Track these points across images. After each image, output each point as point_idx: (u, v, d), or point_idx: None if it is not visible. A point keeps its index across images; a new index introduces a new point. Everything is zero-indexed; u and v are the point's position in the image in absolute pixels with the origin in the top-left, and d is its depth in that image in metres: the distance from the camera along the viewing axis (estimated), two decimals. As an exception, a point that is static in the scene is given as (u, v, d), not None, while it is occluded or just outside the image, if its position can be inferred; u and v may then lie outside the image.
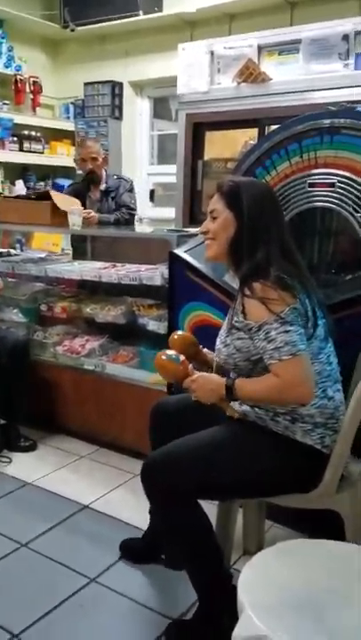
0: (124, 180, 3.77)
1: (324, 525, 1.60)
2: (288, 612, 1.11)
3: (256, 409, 1.57)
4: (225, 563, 1.68)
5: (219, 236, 1.60)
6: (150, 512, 1.91)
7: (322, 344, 1.55)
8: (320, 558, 1.28)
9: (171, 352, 1.68)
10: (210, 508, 1.62)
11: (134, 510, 2.20)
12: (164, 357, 1.66)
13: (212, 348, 1.72)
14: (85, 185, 3.70)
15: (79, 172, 5.07)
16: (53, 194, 3.01)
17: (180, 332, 1.82)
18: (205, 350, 1.78)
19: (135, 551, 1.98)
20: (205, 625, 1.59)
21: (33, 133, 4.94)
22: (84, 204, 3.57)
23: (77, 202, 3.13)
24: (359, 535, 1.58)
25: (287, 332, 1.43)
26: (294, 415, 1.52)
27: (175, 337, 1.79)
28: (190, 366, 1.64)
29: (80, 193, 3.60)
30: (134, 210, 3.75)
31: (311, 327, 1.51)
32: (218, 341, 1.65)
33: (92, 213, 3.31)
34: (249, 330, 1.50)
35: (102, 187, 3.67)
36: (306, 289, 1.53)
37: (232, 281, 1.92)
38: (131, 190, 3.74)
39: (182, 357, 1.64)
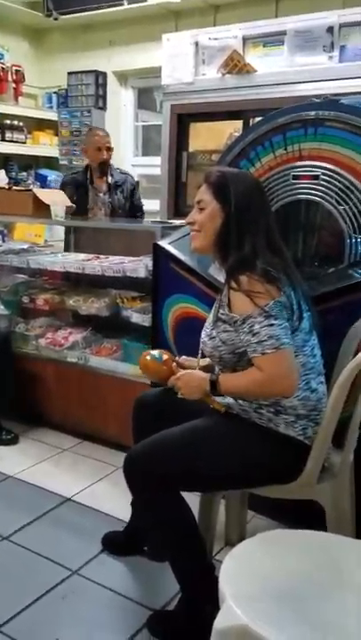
0: (130, 176, 3.70)
1: (306, 516, 1.62)
2: (269, 602, 1.11)
3: (240, 401, 1.58)
4: (207, 554, 1.69)
5: (205, 227, 1.59)
6: (132, 504, 1.91)
7: (306, 337, 1.55)
8: (301, 548, 1.29)
9: (154, 352, 1.70)
10: (192, 499, 1.62)
11: (117, 502, 2.19)
12: (148, 357, 1.68)
13: (196, 340, 1.71)
14: (84, 176, 3.60)
15: (63, 161, 5.06)
16: (35, 190, 2.99)
17: (152, 352, 1.74)
18: (183, 358, 1.77)
19: (117, 543, 1.98)
20: (187, 615, 1.60)
21: (15, 123, 4.87)
22: (85, 195, 3.51)
23: (62, 193, 3.09)
24: (340, 525, 1.60)
25: (271, 325, 1.43)
26: (278, 407, 1.53)
27: (147, 357, 1.71)
28: (174, 364, 1.66)
29: (82, 184, 3.53)
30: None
31: (296, 320, 1.51)
32: (203, 334, 1.65)
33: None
34: (234, 323, 1.51)
35: (110, 179, 3.56)
36: (291, 282, 1.53)
37: (217, 273, 1.92)
38: (137, 188, 3.69)
39: (165, 356, 1.66)
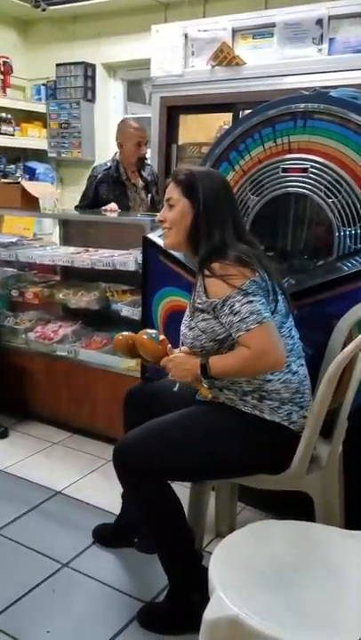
0: (154, 169, 3.49)
1: (295, 507, 1.63)
2: (258, 592, 1.12)
3: (225, 390, 1.59)
4: (197, 545, 1.70)
5: (176, 224, 1.62)
6: (123, 496, 1.91)
7: (283, 319, 1.58)
8: (290, 539, 1.30)
9: (151, 331, 1.71)
10: (182, 490, 1.63)
11: (107, 495, 2.20)
12: (144, 336, 1.68)
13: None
14: (117, 171, 3.28)
15: (51, 154, 5.02)
16: (24, 183, 2.96)
17: (125, 333, 1.80)
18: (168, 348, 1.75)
19: (108, 536, 1.99)
20: (177, 607, 1.61)
21: (3, 115, 4.83)
22: (125, 193, 3.27)
23: (51, 186, 3.07)
24: (329, 516, 1.62)
25: (251, 302, 1.46)
26: (261, 393, 1.55)
27: (120, 337, 1.77)
28: (169, 346, 1.66)
29: (117, 180, 3.27)
30: None
31: (273, 302, 1.54)
32: (183, 326, 1.67)
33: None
34: (213, 308, 1.52)
35: (145, 174, 3.35)
36: (263, 266, 1.56)
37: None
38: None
39: (162, 337, 1.67)
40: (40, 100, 5.17)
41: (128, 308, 2.62)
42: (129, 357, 1.97)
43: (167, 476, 1.55)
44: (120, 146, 3.27)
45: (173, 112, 3.59)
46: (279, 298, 1.57)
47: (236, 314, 1.47)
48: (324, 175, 1.88)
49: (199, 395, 1.63)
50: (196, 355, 1.61)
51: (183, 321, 1.67)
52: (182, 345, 1.70)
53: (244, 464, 1.56)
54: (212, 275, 1.51)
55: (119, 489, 1.72)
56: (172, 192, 1.63)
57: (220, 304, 1.50)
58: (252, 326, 1.45)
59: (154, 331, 1.73)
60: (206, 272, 1.52)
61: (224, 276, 1.49)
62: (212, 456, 1.53)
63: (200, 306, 1.56)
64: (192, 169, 1.66)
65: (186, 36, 3.42)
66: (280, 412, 1.55)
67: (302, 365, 1.62)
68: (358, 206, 1.83)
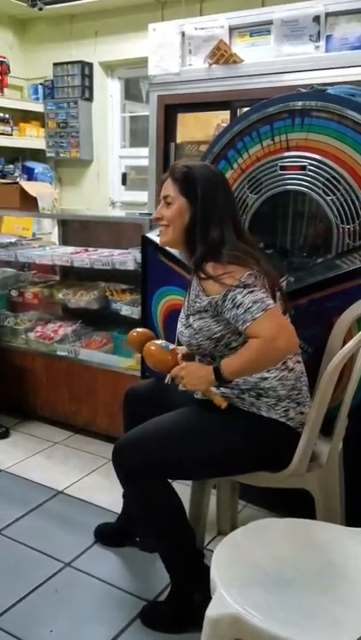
0: None
1: (296, 505, 1.63)
2: (260, 590, 1.13)
3: (221, 389, 1.59)
4: (198, 543, 1.70)
5: (174, 222, 1.60)
6: (124, 496, 1.91)
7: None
8: (291, 537, 1.31)
9: (160, 341, 1.68)
10: (184, 489, 1.63)
11: (108, 495, 2.20)
12: (153, 347, 1.64)
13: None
14: None
15: (50, 153, 5.01)
16: (22, 183, 2.96)
17: (138, 329, 1.78)
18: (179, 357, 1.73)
19: (109, 535, 1.99)
20: (179, 605, 1.62)
21: (1, 115, 4.82)
22: None
23: (50, 186, 3.07)
24: (329, 513, 1.62)
25: (252, 292, 1.45)
26: (258, 390, 1.55)
27: (134, 334, 1.75)
28: (179, 355, 1.64)
29: None
30: None
31: (268, 299, 1.51)
32: (179, 324, 1.66)
33: None
34: (215, 306, 1.51)
35: None
36: (260, 265, 1.54)
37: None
38: None
39: (172, 346, 1.64)
40: (38, 99, 5.15)
41: (128, 308, 2.62)
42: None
43: (167, 475, 1.55)
44: None
45: (171, 110, 3.57)
46: (276, 295, 1.56)
47: (239, 306, 1.45)
48: (323, 172, 1.87)
49: (197, 395, 1.63)
50: (208, 362, 1.59)
51: (180, 319, 1.67)
52: (178, 342, 1.70)
53: (244, 461, 1.56)
54: (208, 276, 1.50)
55: (120, 488, 1.72)
56: (169, 189, 1.61)
57: (220, 300, 1.49)
58: (258, 314, 1.43)
59: (163, 341, 1.69)
60: (202, 275, 1.51)
61: (220, 276, 1.48)
62: (211, 454, 1.54)
63: (199, 306, 1.55)
64: (190, 164, 1.63)
65: (183, 34, 3.40)
66: (277, 409, 1.55)
67: (299, 362, 1.62)
68: (357, 203, 1.83)
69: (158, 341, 1.68)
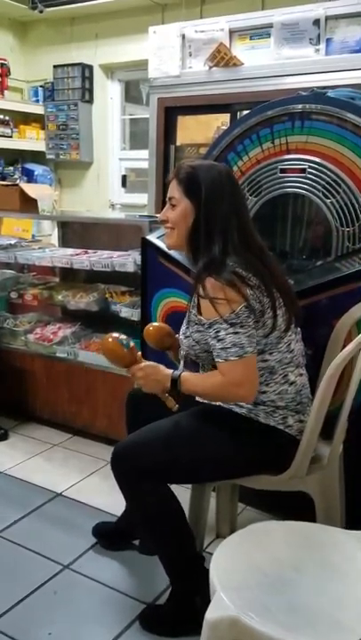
0: None
1: (296, 507, 1.63)
2: (259, 593, 1.13)
3: None
4: (197, 546, 1.70)
5: (178, 225, 1.57)
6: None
7: (282, 334, 1.53)
8: (290, 539, 1.30)
9: (122, 336, 1.62)
10: (183, 492, 1.63)
11: (107, 497, 2.20)
12: (110, 340, 1.60)
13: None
14: None
15: (50, 156, 5.02)
16: (22, 185, 2.97)
17: (155, 324, 1.79)
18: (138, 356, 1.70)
19: (109, 536, 1.99)
20: (178, 608, 1.61)
21: (1, 117, 4.82)
22: None
23: (50, 188, 3.07)
24: (329, 516, 1.62)
25: (236, 333, 1.43)
26: (255, 400, 1.54)
27: (150, 328, 1.77)
28: (139, 354, 1.61)
29: None
30: None
31: (270, 319, 1.49)
32: (180, 332, 1.66)
33: None
34: (202, 325, 1.51)
35: None
36: (265, 280, 1.48)
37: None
38: None
39: (132, 343, 1.60)
40: (38, 101, 5.17)
41: (127, 310, 2.62)
42: (159, 349, 1.83)
43: (166, 479, 1.54)
44: None
45: (171, 113, 3.58)
46: (278, 313, 1.50)
47: (219, 340, 1.44)
48: (323, 175, 1.88)
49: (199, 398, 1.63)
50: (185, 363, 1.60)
51: (182, 327, 1.66)
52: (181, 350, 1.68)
53: (243, 465, 1.56)
54: (205, 295, 1.45)
55: (119, 491, 1.72)
56: (174, 191, 1.57)
57: (207, 325, 1.48)
58: (232, 358, 1.43)
59: (124, 336, 1.62)
60: (200, 291, 1.46)
61: (215, 300, 1.42)
62: (208, 458, 1.53)
63: (194, 318, 1.55)
64: (195, 165, 1.58)
65: (183, 36, 3.41)
66: (275, 417, 1.55)
67: (301, 375, 1.60)
68: (356, 206, 1.83)
69: (119, 335, 1.62)
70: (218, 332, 1.44)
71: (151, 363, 1.61)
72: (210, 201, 1.51)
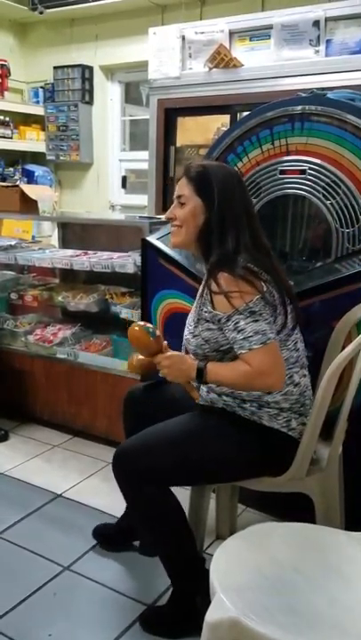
0: None
1: (296, 509, 1.63)
2: (259, 594, 1.12)
3: (223, 396, 1.58)
4: (198, 547, 1.70)
5: (187, 223, 1.56)
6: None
7: (290, 332, 1.55)
8: (290, 541, 1.30)
9: (148, 325, 1.64)
10: (183, 493, 1.63)
11: (107, 498, 2.20)
12: (137, 328, 1.61)
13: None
14: None
15: (50, 157, 5.03)
16: (23, 186, 2.97)
17: (140, 323, 1.77)
18: (166, 343, 1.70)
19: (108, 536, 1.99)
20: (178, 609, 1.61)
21: (1, 118, 4.84)
22: None
23: (50, 189, 3.07)
24: (329, 517, 1.62)
25: (256, 321, 1.43)
26: (260, 402, 1.54)
27: (136, 328, 1.69)
28: (165, 343, 1.62)
29: None
30: None
31: (281, 315, 1.50)
32: (186, 331, 1.64)
33: None
34: (218, 320, 1.49)
35: None
36: (274, 278, 1.51)
37: (204, 268, 1.91)
38: None
39: (158, 332, 1.62)
40: (38, 102, 5.18)
41: (127, 311, 2.62)
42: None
43: (166, 482, 1.54)
44: None
45: (171, 114, 3.59)
46: (288, 309, 1.52)
47: (240, 331, 1.43)
48: (322, 177, 1.88)
49: (200, 400, 1.62)
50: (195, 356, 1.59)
51: (187, 326, 1.64)
52: (185, 351, 1.66)
53: (244, 468, 1.56)
54: (219, 290, 1.45)
55: (119, 492, 1.72)
56: (184, 189, 1.56)
57: (224, 318, 1.46)
58: (256, 346, 1.42)
59: (150, 325, 1.65)
60: (213, 286, 1.46)
61: (230, 293, 1.43)
62: (211, 461, 1.53)
63: (206, 315, 1.53)
64: (205, 164, 1.58)
65: (183, 38, 3.42)
66: (279, 419, 1.55)
67: (305, 376, 1.60)
68: (356, 207, 1.83)
69: (145, 324, 1.63)
70: (237, 322, 1.44)
71: (177, 352, 1.61)
72: (223, 201, 1.51)
